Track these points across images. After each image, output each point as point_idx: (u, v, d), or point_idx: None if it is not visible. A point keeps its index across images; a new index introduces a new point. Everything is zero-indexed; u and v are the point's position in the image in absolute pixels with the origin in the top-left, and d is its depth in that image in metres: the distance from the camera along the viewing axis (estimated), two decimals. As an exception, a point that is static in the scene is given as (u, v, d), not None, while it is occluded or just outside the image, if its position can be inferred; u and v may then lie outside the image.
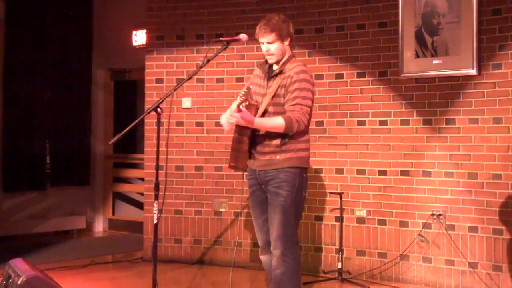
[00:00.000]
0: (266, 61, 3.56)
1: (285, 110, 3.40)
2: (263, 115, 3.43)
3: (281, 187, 3.42)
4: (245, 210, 5.32)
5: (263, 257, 3.65)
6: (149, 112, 3.43)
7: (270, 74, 3.50)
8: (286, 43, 3.47)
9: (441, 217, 4.77)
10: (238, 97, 3.26)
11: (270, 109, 3.43)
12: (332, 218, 5.20)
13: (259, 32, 3.42)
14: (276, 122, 3.34)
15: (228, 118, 3.40)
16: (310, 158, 5.27)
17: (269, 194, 3.47)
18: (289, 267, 3.40)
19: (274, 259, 3.44)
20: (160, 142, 3.43)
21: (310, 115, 3.46)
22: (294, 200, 3.44)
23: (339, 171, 5.19)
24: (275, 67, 3.51)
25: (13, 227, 6.75)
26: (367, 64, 5.12)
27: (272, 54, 3.43)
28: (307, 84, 3.44)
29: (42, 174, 7.05)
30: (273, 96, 3.42)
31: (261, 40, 3.42)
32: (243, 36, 3.51)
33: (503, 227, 4.53)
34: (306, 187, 3.54)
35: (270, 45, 3.41)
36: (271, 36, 3.39)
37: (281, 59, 3.48)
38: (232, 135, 3.49)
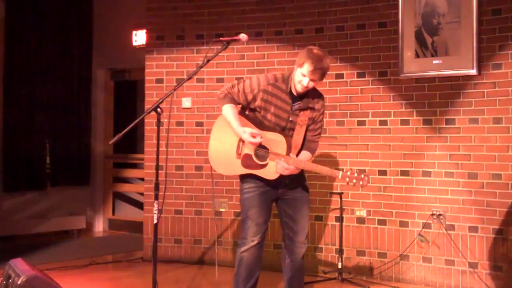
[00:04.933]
0: (282, 81, 3.60)
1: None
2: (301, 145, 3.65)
3: (307, 190, 3.74)
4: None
5: (254, 252, 3.63)
6: (149, 112, 3.43)
7: (294, 100, 3.59)
8: None
9: (441, 217, 4.77)
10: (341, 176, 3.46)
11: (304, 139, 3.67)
12: (332, 218, 5.20)
13: (313, 72, 3.44)
14: (308, 158, 3.69)
15: (281, 169, 3.48)
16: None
17: (295, 193, 3.66)
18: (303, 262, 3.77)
19: (300, 248, 3.68)
20: (160, 142, 3.43)
21: None
22: None
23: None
24: (296, 92, 3.58)
25: (13, 227, 6.75)
26: (367, 64, 5.12)
27: (307, 88, 3.53)
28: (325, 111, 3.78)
29: (42, 174, 7.05)
30: (306, 128, 3.63)
31: (306, 74, 3.45)
32: (243, 36, 3.50)
33: (503, 227, 4.54)
34: None
35: (311, 82, 3.49)
36: (318, 77, 3.48)
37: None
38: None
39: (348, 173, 3.41)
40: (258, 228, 3.62)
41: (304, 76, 3.46)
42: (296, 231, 3.67)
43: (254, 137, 3.48)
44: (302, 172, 3.69)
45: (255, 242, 3.61)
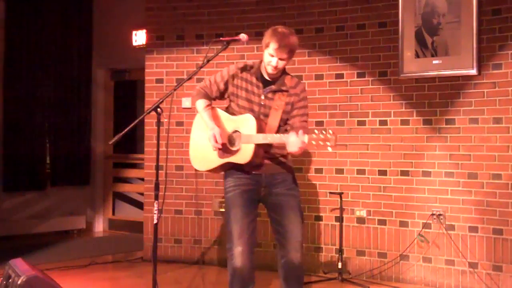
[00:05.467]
0: (252, 67, 3.50)
1: (289, 125, 3.47)
2: (277, 130, 3.43)
3: (293, 189, 3.51)
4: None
5: (241, 259, 3.39)
6: (149, 112, 3.43)
7: (267, 84, 3.46)
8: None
9: (441, 217, 4.77)
10: (306, 139, 3.12)
11: (282, 124, 3.46)
12: (332, 218, 5.20)
13: (279, 49, 3.31)
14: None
15: (293, 147, 3.21)
16: (311, 158, 5.30)
17: (275, 197, 3.47)
18: (303, 266, 3.50)
19: (294, 260, 3.42)
20: (160, 142, 3.43)
21: None
22: None
23: (339, 171, 5.19)
24: (268, 77, 3.46)
25: (13, 227, 6.76)
26: (367, 64, 5.12)
27: (278, 69, 3.40)
28: (307, 99, 3.57)
29: (42, 174, 7.06)
30: (282, 113, 3.43)
31: (273, 53, 3.33)
32: (243, 36, 3.50)
33: (503, 227, 4.54)
34: None
35: (280, 61, 3.37)
36: (285, 55, 3.35)
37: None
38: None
39: (314, 135, 3.10)
40: (241, 229, 3.41)
41: (272, 56, 3.32)
42: (286, 237, 3.45)
43: (215, 140, 3.41)
44: (290, 169, 3.52)
45: (242, 248, 3.40)
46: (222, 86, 3.55)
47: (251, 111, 3.44)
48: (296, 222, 3.46)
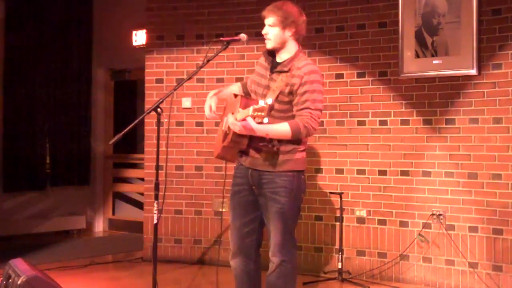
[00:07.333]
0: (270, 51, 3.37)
1: (288, 108, 3.22)
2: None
3: (279, 193, 3.23)
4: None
5: (234, 262, 3.42)
6: (149, 112, 3.43)
7: (273, 66, 3.30)
8: (289, 33, 3.24)
9: (441, 217, 4.77)
10: (251, 110, 2.94)
11: (276, 106, 3.17)
12: (332, 218, 5.20)
13: (265, 11, 3.26)
14: (282, 130, 3.14)
15: (230, 125, 3.15)
16: (311, 158, 5.27)
17: (263, 198, 3.28)
18: (285, 271, 3.29)
19: (271, 264, 3.29)
20: (160, 142, 3.43)
21: (320, 117, 3.25)
22: (293, 205, 3.28)
23: (339, 171, 5.19)
24: (279, 59, 3.31)
25: (13, 227, 6.75)
26: (367, 64, 5.12)
27: (269, 39, 3.27)
28: (318, 85, 3.21)
29: (42, 174, 7.05)
30: (278, 94, 3.19)
31: (265, 21, 3.26)
32: (243, 36, 3.50)
33: (503, 227, 4.54)
34: (305, 188, 3.39)
35: (270, 28, 3.23)
36: (273, 19, 3.21)
37: (280, 48, 3.28)
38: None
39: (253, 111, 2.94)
40: (235, 233, 3.37)
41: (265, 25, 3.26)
42: (270, 242, 3.30)
43: (209, 110, 3.33)
44: (286, 170, 3.24)
45: (235, 253, 3.38)
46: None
47: (256, 92, 3.33)
48: (274, 231, 3.26)
